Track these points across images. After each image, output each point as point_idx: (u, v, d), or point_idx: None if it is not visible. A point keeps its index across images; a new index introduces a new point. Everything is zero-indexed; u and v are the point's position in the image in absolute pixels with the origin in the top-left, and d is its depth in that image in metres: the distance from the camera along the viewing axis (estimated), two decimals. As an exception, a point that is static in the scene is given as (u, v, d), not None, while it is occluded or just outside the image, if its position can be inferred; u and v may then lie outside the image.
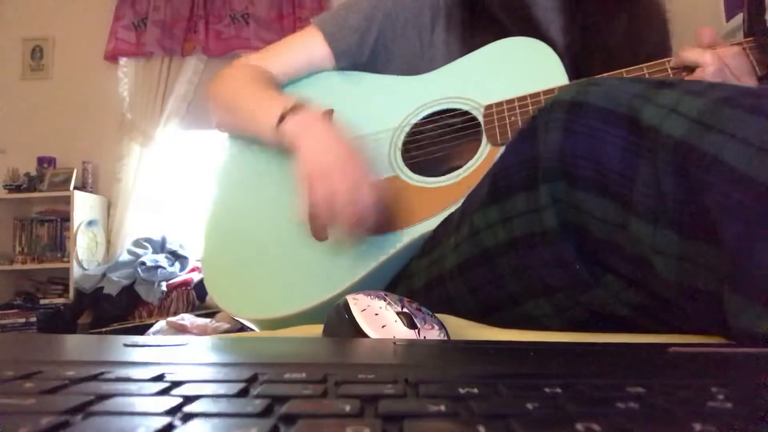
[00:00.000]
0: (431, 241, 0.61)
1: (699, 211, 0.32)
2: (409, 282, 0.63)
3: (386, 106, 0.75)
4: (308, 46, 0.81)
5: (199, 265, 2.61)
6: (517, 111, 0.65)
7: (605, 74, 0.63)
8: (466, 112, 0.70)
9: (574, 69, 0.71)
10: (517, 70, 0.69)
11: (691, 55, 0.59)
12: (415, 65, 0.78)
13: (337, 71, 0.81)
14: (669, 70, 0.61)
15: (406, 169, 0.69)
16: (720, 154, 0.31)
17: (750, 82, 0.57)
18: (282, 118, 0.67)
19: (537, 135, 0.43)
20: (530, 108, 0.64)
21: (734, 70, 0.57)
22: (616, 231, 0.38)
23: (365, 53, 0.79)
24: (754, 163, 0.29)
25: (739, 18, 1.59)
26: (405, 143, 0.72)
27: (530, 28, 0.72)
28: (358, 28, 0.78)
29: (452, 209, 0.61)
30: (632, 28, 0.72)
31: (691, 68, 0.60)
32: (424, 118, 0.72)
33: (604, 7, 0.74)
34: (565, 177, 0.40)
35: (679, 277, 0.34)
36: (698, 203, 0.32)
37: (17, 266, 2.89)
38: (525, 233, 0.45)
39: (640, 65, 0.62)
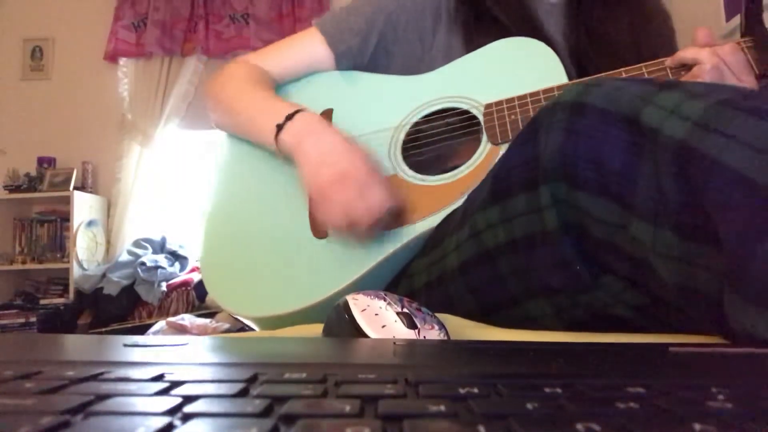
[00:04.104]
0: (432, 241, 0.61)
1: (699, 212, 0.32)
2: (410, 281, 0.63)
3: (386, 105, 0.75)
4: (308, 47, 0.81)
5: (198, 265, 2.61)
6: (518, 110, 0.65)
7: (605, 74, 0.63)
8: (466, 111, 0.70)
9: (577, 68, 0.71)
10: (517, 70, 0.70)
11: (687, 53, 0.60)
12: (416, 68, 0.78)
13: (338, 71, 0.81)
14: (668, 69, 0.62)
15: (406, 168, 0.69)
16: (721, 156, 0.31)
17: (749, 80, 0.57)
18: (279, 128, 0.67)
19: (538, 136, 0.43)
20: (530, 107, 0.64)
21: (733, 68, 0.57)
22: (617, 232, 0.38)
23: (366, 56, 0.79)
24: (755, 165, 0.29)
25: (738, 18, 1.59)
26: (405, 142, 0.72)
27: (531, 28, 0.72)
28: (359, 31, 0.78)
29: (452, 208, 0.61)
30: (636, 29, 0.73)
31: (689, 66, 0.60)
32: (424, 117, 0.72)
33: (607, 7, 0.74)
34: (566, 178, 0.40)
35: (679, 278, 0.34)
36: (698, 205, 0.32)
37: (17, 266, 2.89)
38: (526, 233, 0.45)
39: (639, 65, 0.62)
